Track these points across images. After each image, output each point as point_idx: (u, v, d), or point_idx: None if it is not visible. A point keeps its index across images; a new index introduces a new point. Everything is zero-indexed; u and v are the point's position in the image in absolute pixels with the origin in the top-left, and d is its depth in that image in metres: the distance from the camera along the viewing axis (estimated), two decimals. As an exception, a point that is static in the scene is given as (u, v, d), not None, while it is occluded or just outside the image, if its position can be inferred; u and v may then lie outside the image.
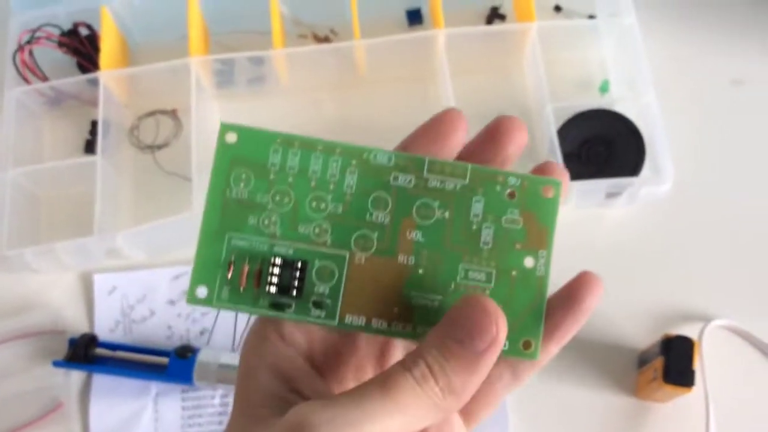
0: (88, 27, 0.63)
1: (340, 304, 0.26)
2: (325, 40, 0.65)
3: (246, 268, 0.25)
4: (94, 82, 0.61)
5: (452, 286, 0.26)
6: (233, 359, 0.54)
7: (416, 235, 0.26)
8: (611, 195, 0.58)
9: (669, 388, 0.50)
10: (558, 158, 0.56)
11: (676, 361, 0.50)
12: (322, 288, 0.26)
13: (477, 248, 0.26)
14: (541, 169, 0.27)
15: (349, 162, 0.26)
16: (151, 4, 0.64)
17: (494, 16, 0.65)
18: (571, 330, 0.27)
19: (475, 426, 0.28)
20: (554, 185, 0.26)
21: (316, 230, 0.26)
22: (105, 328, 0.58)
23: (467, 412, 0.27)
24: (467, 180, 0.26)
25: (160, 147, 0.63)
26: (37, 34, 0.62)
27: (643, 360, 0.54)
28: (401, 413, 0.22)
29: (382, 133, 0.62)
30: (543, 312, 0.26)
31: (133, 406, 0.56)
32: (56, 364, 0.56)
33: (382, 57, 0.62)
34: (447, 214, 0.26)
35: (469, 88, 0.62)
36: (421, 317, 0.26)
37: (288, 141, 0.26)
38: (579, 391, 0.55)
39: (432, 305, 0.26)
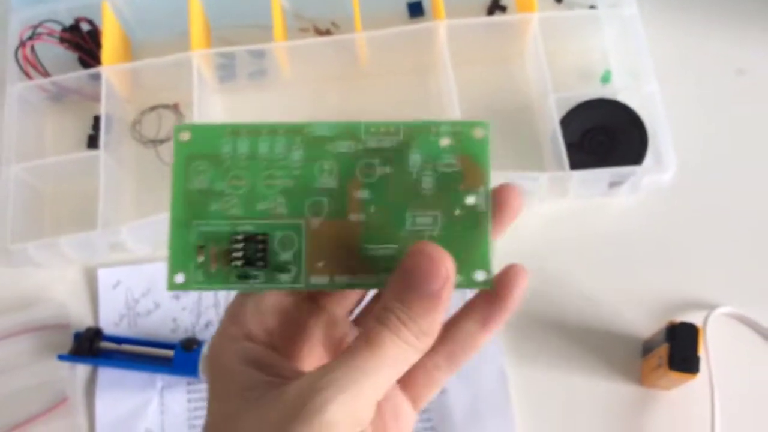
0: (90, 22, 0.63)
1: (304, 267, 0.28)
2: (327, 33, 0.65)
3: (214, 250, 0.28)
4: (96, 77, 0.61)
5: (403, 233, 0.28)
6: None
7: (363, 194, 0.28)
8: (614, 184, 0.58)
9: (674, 375, 0.50)
10: (561, 148, 0.56)
11: (681, 348, 0.50)
12: (285, 256, 0.28)
13: (420, 196, 0.28)
14: (499, 191, 0.28)
15: (293, 139, 0.28)
16: (152, -1, 0.64)
17: (495, 7, 0.65)
18: (499, 322, 0.29)
19: (420, 407, 0.30)
20: (483, 126, 0.28)
21: (273, 205, 0.28)
22: (110, 322, 0.59)
23: (414, 397, 0.30)
24: (402, 136, 0.28)
25: (162, 141, 0.63)
26: (39, 30, 0.62)
27: (647, 348, 0.54)
28: (388, 366, 0.25)
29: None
30: (490, 244, 0.28)
31: (139, 399, 0.56)
32: (61, 357, 0.56)
33: (383, 49, 0.62)
34: (388, 170, 0.28)
35: (471, 79, 0.62)
36: (380, 266, 0.28)
37: (236, 130, 0.28)
38: (584, 379, 0.55)
39: (389, 254, 0.28)
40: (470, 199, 0.28)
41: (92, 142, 0.63)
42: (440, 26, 0.60)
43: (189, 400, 0.56)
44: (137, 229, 0.57)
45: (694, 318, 0.54)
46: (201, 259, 0.27)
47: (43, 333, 0.58)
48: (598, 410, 0.55)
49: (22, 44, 0.62)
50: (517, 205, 0.28)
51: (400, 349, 0.25)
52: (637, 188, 0.58)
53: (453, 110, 0.58)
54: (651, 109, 0.58)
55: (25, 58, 0.62)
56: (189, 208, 0.28)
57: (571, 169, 0.56)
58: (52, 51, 0.63)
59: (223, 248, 0.27)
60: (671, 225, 0.59)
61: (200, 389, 0.57)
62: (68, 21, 0.63)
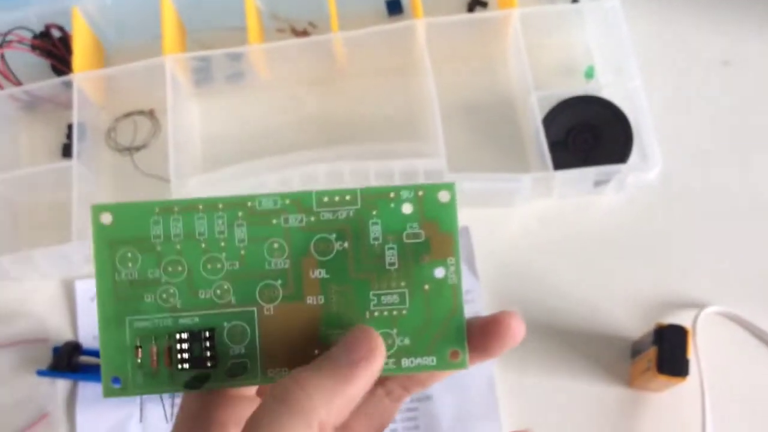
0: (60, 29, 0.62)
1: (259, 360, 0.25)
2: (304, 33, 0.64)
3: (154, 348, 0.25)
4: (69, 85, 0.60)
5: (367, 315, 0.25)
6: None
7: (320, 273, 0.25)
8: (599, 183, 0.57)
9: (663, 379, 0.49)
10: (544, 147, 0.55)
11: (669, 351, 0.49)
12: (237, 349, 0.25)
13: (384, 271, 0.25)
14: (501, 316, 0.25)
15: (235, 215, 0.25)
16: (124, 3, 0.62)
17: (476, 3, 0.64)
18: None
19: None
20: (449, 188, 0.25)
21: (218, 292, 0.25)
22: (89, 335, 0.57)
23: None
24: (359, 204, 0.25)
25: (138, 148, 0.62)
26: (9, 37, 0.61)
27: (636, 350, 0.53)
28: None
29: (364, 126, 0.62)
30: (463, 320, 0.25)
31: (120, 413, 0.55)
32: (40, 373, 0.55)
33: (361, 49, 0.60)
34: (346, 244, 0.25)
35: (452, 78, 0.61)
36: None
37: (166, 208, 0.25)
38: (572, 382, 0.54)
39: None
40: (439, 272, 0.25)
41: (67, 151, 0.62)
42: (419, 24, 0.59)
43: (171, 414, 0.55)
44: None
45: (684, 317, 0.53)
46: (139, 359, 0.24)
47: (21, 348, 0.57)
48: (587, 414, 0.54)
49: (-8, 53, 0.60)
50: (518, 333, 0.25)
51: (285, 416, 0.22)
52: (623, 186, 0.57)
53: (433, 110, 0.56)
54: (635, 105, 0.56)
55: (-4, 67, 0.60)
56: (119, 303, 0.24)
57: (555, 168, 0.55)
58: (23, 59, 0.62)
59: (164, 345, 0.24)
60: (659, 223, 0.58)
61: (182, 402, 0.56)
62: (39, 28, 0.62)
